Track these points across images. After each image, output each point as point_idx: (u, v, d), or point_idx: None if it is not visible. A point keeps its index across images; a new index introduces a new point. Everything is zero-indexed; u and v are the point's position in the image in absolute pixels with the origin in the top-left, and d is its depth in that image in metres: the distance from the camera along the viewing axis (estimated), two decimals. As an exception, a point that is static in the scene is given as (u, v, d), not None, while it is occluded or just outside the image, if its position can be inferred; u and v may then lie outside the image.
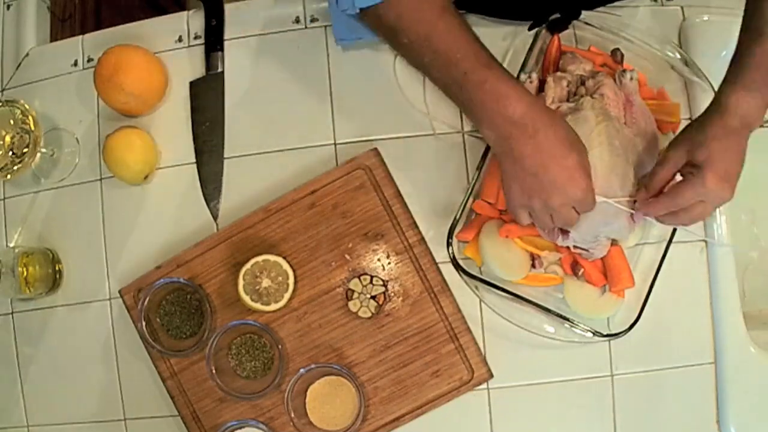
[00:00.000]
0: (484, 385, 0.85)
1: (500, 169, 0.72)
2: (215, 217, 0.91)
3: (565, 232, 0.76)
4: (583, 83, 0.81)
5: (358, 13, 0.71)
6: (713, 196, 0.69)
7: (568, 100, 0.80)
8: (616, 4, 0.89)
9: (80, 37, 0.97)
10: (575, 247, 0.78)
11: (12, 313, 0.93)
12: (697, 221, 0.72)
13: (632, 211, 0.75)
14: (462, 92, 0.69)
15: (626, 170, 0.75)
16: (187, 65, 0.94)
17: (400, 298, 0.85)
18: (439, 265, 0.85)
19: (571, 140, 0.69)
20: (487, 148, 0.82)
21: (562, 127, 0.69)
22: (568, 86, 0.80)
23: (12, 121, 0.88)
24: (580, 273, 0.81)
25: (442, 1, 0.69)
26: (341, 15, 0.74)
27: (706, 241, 0.85)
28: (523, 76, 0.81)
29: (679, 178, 0.72)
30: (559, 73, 0.81)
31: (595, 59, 0.85)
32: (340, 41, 0.87)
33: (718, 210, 0.85)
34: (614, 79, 0.80)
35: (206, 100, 0.93)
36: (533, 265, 0.82)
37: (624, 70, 0.80)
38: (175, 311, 0.87)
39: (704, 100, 0.84)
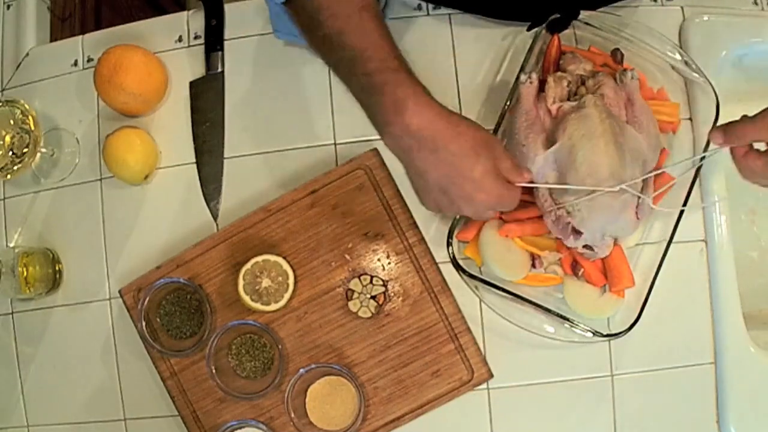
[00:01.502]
0: (484, 385, 0.85)
1: (408, 177, 0.69)
2: (215, 217, 0.91)
3: (577, 233, 0.76)
4: (583, 83, 0.81)
5: (284, 4, 0.68)
6: None
7: (568, 100, 0.80)
8: (616, 4, 0.89)
9: (80, 37, 0.97)
10: (585, 246, 0.78)
11: (12, 313, 0.93)
12: None
13: (641, 195, 0.75)
14: (363, 94, 0.65)
15: (632, 167, 0.75)
16: (187, 65, 0.94)
17: (400, 298, 0.85)
18: (439, 265, 0.85)
19: (478, 145, 0.65)
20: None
21: (468, 135, 0.65)
22: (568, 86, 0.80)
23: (12, 121, 0.88)
24: (580, 273, 0.81)
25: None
26: (276, 7, 0.72)
27: (706, 241, 0.85)
28: (523, 77, 0.81)
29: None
30: (559, 73, 0.81)
31: (595, 59, 0.85)
32: (276, 33, 0.86)
33: (718, 210, 0.85)
34: (615, 79, 0.80)
35: (206, 100, 0.93)
36: (533, 265, 0.82)
37: (625, 70, 0.80)
38: (175, 311, 0.87)
39: (704, 100, 0.84)
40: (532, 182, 0.73)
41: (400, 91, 0.63)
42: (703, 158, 0.79)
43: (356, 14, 0.65)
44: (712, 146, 0.77)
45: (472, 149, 0.65)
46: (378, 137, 0.87)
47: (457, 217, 0.81)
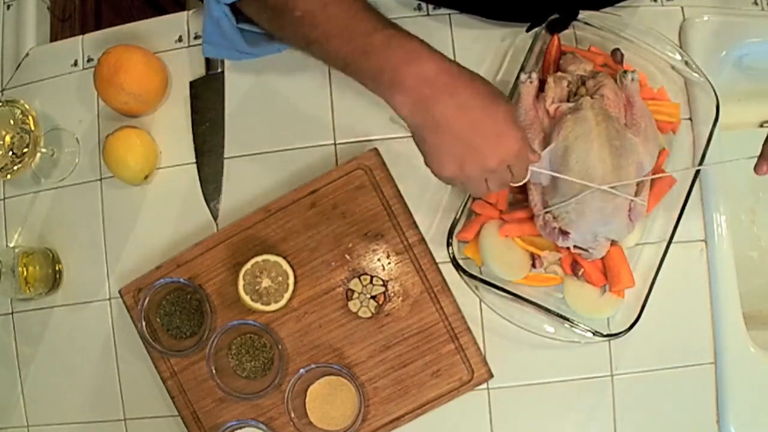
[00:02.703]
0: (484, 385, 0.85)
1: (420, 147, 0.64)
2: (215, 217, 0.91)
3: (565, 233, 0.76)
4: (583, 83, 0.81)
5: (233, 3, 0.65)
6: None
7: (568, 101, 0.80)
8: (616, 4, 0.89)
9: (80, 37, 0.97)
10: (575, 247, 0.78)
11: (12, 313, 0.93)
12: None
13: (633, 198, 0.75)
14: (366, 59, 0.60)
15: (627, 171, 0.75)
16: (187, 65, 0.94)
17: (400, 298, 0.85)
18: (439, 265, 0.85)
19: (495, 93, 0.63)
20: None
21: (482, 81, 0.63)
22: (568, 86, 0.80)
23: (12, 121, 0.88)
24: (580, 273, 0.81)
25: None
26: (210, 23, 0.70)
27: (706, 241, 0.85)
28: (523, 76, 0.81)
29: None
30: (559, 73, 0.81)
31: (596, 59, 0.85)
32: (205, 45, 0.79)
33: (718, 210, 0.85)
34: (615, 80, 0.81)
35: (206, 100, 0.93)
36: (533, 265, 0.82)
37: (625, 71, 0.80)
38: (175, 311, 0.87)
39: (704, 100, 0.84)
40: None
41: (409, 41, 0.60)
42: (698, 169, 0.80)
43: None
44: (709, 156, 0.77)
45: (490, 92, 0.62)
46: (378, 137, 0.89)
47: (457, 216, 0.81)
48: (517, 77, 0.82)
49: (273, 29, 0.68)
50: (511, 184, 0.69)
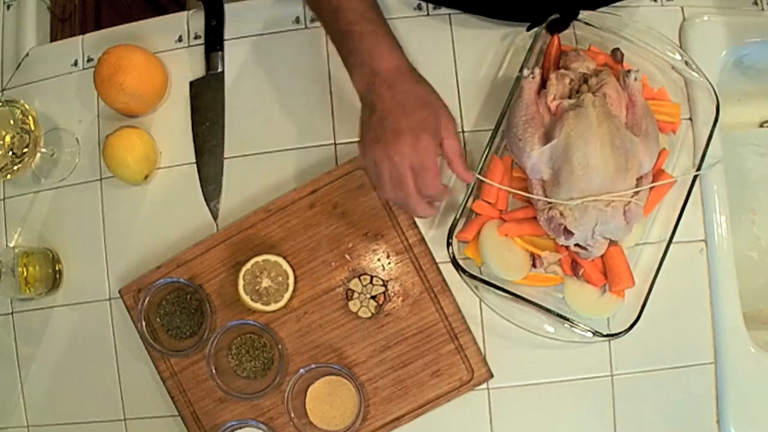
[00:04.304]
0: (484, 385, 0.85)
1: (361, 124, 0.74)
2: (215, 217, 0.91)
3: (568, 232, 0.76)
4: (585, 81, 0.81)
5: None
6: None
7: (569, 97, 0.80)
8: (616, 4, 0.89)
9: (80, 37, 0.97)
10: (576, 245, 0.78)
11: (12, 313, 0.93)
12: None
13: (630, 199, 0.75)
14: (344, 40, 0.74)
15: (627, 170, 0.75)
16: (187, 65, 0.94)
17: (400, 298, 0.85)
18: (439, 265, 0.85)
19: (429, 102, 0.72)
20: (487, 149, 0.82)
21: (424, 88, 0.72)
22: (570, 83, 0.80)
23: (12, 121, 0.88)
24: (580, 273, 0.81)
25: None
26: None
27: (706, 241, 0.85)
28: (525, 71, 0.81)
29: None
30: (562, 70, 0.81)
31: (596, 58, 0.85)
32: None
33: (718, 210, 0.85)
34: (618, 79, 0.80)
35: (206, 100, 0.93)
36: (534, 265, 0.82)
37: (628, 71, 0.80)
38: (175, 311, 0.87)
39: (704, 100, 0.84)
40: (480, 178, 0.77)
41: (377, 40, 0.72)
42: (696, 175, 0.80)
43: None
44: (707, 159, 0.77)
45: (423, 98, 0.72)
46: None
47: (457, 216, 0.81)
48: (519, 73, 0.82)
49: None
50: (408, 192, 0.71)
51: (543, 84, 0.82)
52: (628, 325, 0.78)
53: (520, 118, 0.79)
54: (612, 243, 0.80)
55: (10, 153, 0.87)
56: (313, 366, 0.83)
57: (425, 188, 0.71)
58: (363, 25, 0.73)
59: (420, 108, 0.71)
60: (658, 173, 0.81)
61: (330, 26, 0.76)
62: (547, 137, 0.77)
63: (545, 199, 0.77)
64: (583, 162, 0.74)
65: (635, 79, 0.80)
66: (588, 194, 0.74)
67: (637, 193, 0.76)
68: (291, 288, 0.84)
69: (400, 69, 0.72)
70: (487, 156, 0.82)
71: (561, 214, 0.76)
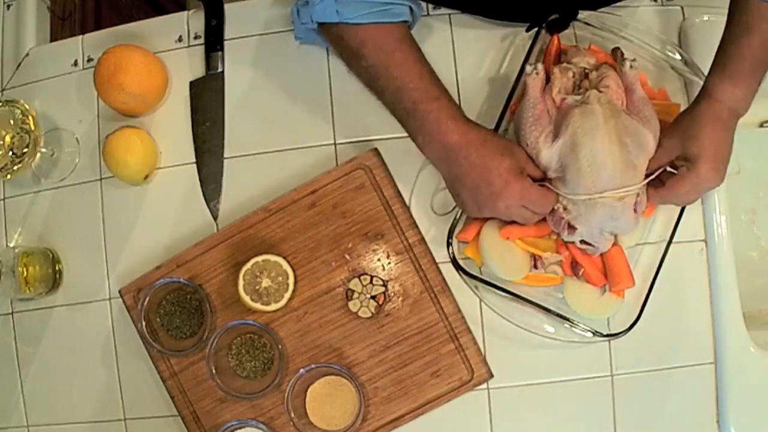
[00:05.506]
0: (484, 385, 0.85)
1: (450, 191, 0.79)
2: (215, 217, 0.91)
3: (572, 228, 0.76)
4: (586, 76, 0.80)
5: (318, 27, 0.77)
6: (705, 184, 0.74)
7: (573, 92, 0.79)
8: (616, 4, 0.89)
9: (80, 37, 0.97)
10: (582, 241, 0.78)
11: (12, 313, 0.93)
12: (684, 204, 0.79)
13: (639, 192, 0.76)
14: (409, 119, 0.76)
15: (635, 165, 0.75)
16: (187, 65, 0.94)
17: (400, 298, 0.85)
18: (439, 265, 0.85)
19: (502, 148, 0.75)
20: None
21: (493, 142, 0.75)
22: (573, 77, 0.80)
23: (12, 121, 0.88)
24: (580, 273, 0.81)
25: (401, 32, 0.76)
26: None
27: (706, 241, 0.85)
28: (528, 68, 0.80)
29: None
30: (565, 64, 0.81)
31: (596, 57, 0.85)
32: (298, 39, 0.89)
33: (718, 210, 0.85)
34: (617, 71, 0.80)
35: (206, 100, 0.93)
36: (535, 266, 0.82)
37: (624, 59, 0.80)
38: (175, 311, 0.87)
39: (704, 100, 0.84)
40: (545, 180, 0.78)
41: (442, 116, 0.74)
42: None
43: (398, 48, 0.75)
44: None
45: (497, 151, 0.74)
46: (378, 137, 0.89)
47: (458, 216, 0.81)
48: (521, 71, 0.82)
49: (345, 63, 0.82)
50: (538, 215, 0.78)
51: (546, 80, 0.81)
52: (628, 325, 0.79)
53: (528, 119, 0.78)
54: (613, 242, 0.80)
55: (10, 153, 0.87)
56: (313, 366, 0.83)
57: (542, 210, 0.77)
58: (427, 103, 0.74)
59: (500, 158, 0.74)
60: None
61: (393, 105, 0.77)
62: (555, 134, 0.77)
63: (561, 192, 0.77)
64: (590, 158, 0.74)
65: (631, 66, 0.79)
66: (595, 191, 0.74)
67: (649, 180, 0.76)
68: (291, 288, 0.84)
69: (467, 136, 0.74)
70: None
71: (564, 208, 0.76)
